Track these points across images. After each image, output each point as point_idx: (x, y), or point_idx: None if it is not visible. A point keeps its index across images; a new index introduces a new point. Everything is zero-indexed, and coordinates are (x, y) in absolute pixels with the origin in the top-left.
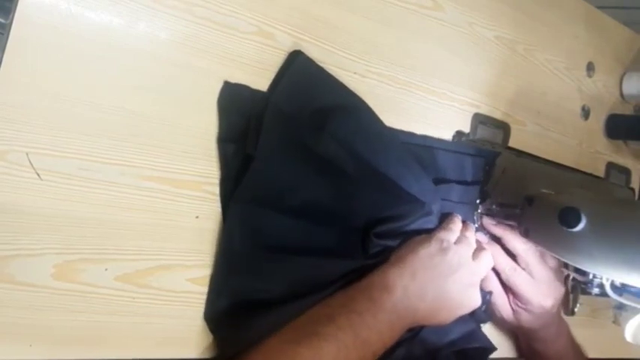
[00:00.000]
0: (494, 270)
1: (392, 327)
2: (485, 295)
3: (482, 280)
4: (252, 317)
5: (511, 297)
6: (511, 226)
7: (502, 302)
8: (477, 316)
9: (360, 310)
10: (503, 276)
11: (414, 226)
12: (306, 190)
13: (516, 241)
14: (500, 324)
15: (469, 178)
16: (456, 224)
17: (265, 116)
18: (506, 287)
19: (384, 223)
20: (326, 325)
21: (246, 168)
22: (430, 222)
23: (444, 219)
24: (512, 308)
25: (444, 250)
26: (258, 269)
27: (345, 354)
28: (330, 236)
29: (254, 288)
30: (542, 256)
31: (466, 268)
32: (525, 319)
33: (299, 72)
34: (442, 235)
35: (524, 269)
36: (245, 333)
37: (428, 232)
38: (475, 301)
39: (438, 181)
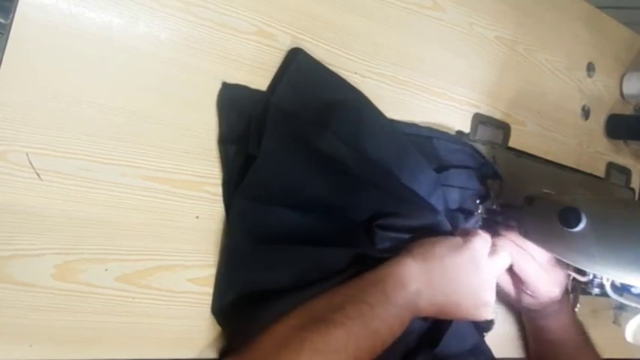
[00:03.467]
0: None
1: (402, 319)
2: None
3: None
4: (262, 307)
5: (516, 285)
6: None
7: (504, 280)
8: (478, 324)
9: (371, 302)
10: (515, 266)
11: (420, 223)
12: (310, 187)
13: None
14: (502, 300)
15: (471, 165)
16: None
17: (267, 115)
18: (512, 274)
19: (387, 217)
20: (335, 313)
21: (249, 168)
22: (439, 224)
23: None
24: (517, 294)
25: (462, 249)
26: (262, 261)
27: (355, 342)
28: (334, 230)
29: (261, 279)
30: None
31: (482, 268)
32: (528, 302)
33: (299, 70)
34: (478, 245)
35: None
36: (255, 322)
37: (438, 232)
38: (488, 302)
39: (441, 168)
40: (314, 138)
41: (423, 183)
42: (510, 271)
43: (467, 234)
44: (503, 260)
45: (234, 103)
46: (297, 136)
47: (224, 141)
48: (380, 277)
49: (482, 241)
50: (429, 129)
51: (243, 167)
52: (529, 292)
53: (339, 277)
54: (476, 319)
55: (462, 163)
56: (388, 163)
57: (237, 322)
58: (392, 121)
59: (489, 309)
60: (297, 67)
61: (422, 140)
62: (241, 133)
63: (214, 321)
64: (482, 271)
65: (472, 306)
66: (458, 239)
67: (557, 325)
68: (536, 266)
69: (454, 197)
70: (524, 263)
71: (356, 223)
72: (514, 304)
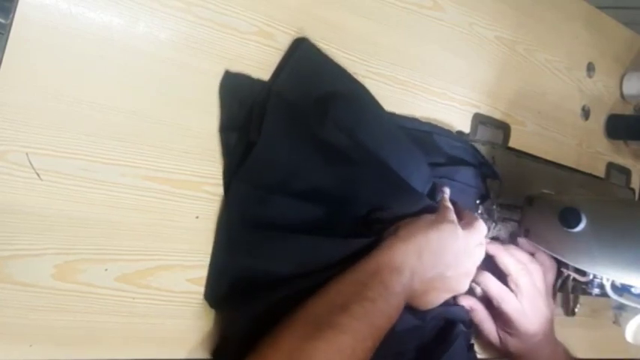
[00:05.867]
0: (484, 296)
1: (399, 307)
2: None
3: (471, 312)
4: (257, 297)
5: (498, 324)
6: (500, 239)
7: (489, 328)
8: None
9: (373, 296)
10: (494, 302)
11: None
12: (309, 176)
13: (509, 261)
14: (489, 350)
15: (470, 161)
16: (448, 201)
17: (268, 103)
18: (493, 313)
19: (383, 210)
20: (341, 316)
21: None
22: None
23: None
24: (499, 335)
25: (455, 236)
26: (259, 248)
27: (362, 343)
28: (331, 220)
29: (256, 267)
30: (533, 280)
31: (469, 256)
32: (512, 344)
33: (302, 59)
34: (451, 216)
35: (512, 290)
36: (250, 312)
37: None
38: (463, 288)
39: (450, 162)
40: (314, 127)
41: (417, 179)
42: (493, 315)
43: (440, 210)
44: (479, 231)
45: (236, 92)
46: (298, 124)
47: (225, 128)
48: (376, 268)
49: (452, 213)
50: (430, 124)
51: (244, 155)
52: (508, 330)
53: (336, 268)
54: (458, 291)
55: (463, 157)
56: (385, 157)
57: (231, 310)
58: (393, 115)
59: (469, 279)
60: (300, 56)
61: (423, 135)
62: (243, 121)
63: (214, 321)
64: (461, 241)
65: (455, 276)
66: (431, 215)
67: None
68: (514, 300)
69: (455, 193)
70: (502, 299)
71: (354, 215)
72: (501, 351)
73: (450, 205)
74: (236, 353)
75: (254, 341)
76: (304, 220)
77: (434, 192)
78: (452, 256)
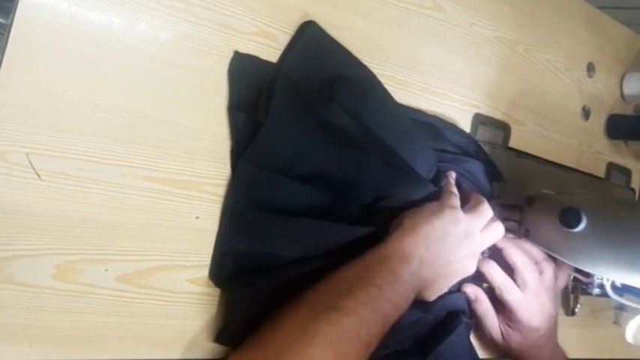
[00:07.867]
0: (488, 288)
1: (407, 298)
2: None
3: (475, 302)
4: (260, 276)
5: (501, 317)
6: (511, 231)
7: (492, 322)
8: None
9: (379, 283)
10: (497, 292)
11: (417, 198)
12: (315, 159)
13: (517, 255)
14: (491, 346)
15: (476, 158)
16: (454, 186)
17: (276, 84)
18: (497, 306)
19: (387, 199)
20: (346, 299)
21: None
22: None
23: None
24: (501, 330)
25: (456, 221)
26: (263, 230)
27: (366, 328)
28: (335, 206)
29: (260, 249)
30: (540, 276)
31: (472, 239)
32: (514, 339)
33: (310, 41)
34: (453, 201)
35: (519, 285)
36: (254, 288)
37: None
38: (470, 270)
39: (447, 151)
40: (320, 109)
41: (422, 164)
42: (496, 307)
43: (443, 196)
44: (494, 232)
45: (245, 73)
46: (305, 107)
47: (233, 109)
48: (384, 256)
49: (455, 198)
50: (437, 118)
51: (251, 135)
52: (510, 324)
53: (339, 255)
54: (466, 273)
55: (467, 150)
56: (390, 141)
57: (234, 291)
58: (399, 104)
59: (475, 259)
60: (308, 39)
61: (430, 127)
62: (251, 101)
63: (214, 321)
64: (462, 225)
65: (458, 260)
66: (434, 203)
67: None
68: (518, 293)
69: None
70: (506, 290)
71: (358, 202)
72: (502, 348)
73: (454, 190)
74: (239, 335)
75: (256, 324)
76: (309, 205)
77: (438, 177)
78: (454, 240)
